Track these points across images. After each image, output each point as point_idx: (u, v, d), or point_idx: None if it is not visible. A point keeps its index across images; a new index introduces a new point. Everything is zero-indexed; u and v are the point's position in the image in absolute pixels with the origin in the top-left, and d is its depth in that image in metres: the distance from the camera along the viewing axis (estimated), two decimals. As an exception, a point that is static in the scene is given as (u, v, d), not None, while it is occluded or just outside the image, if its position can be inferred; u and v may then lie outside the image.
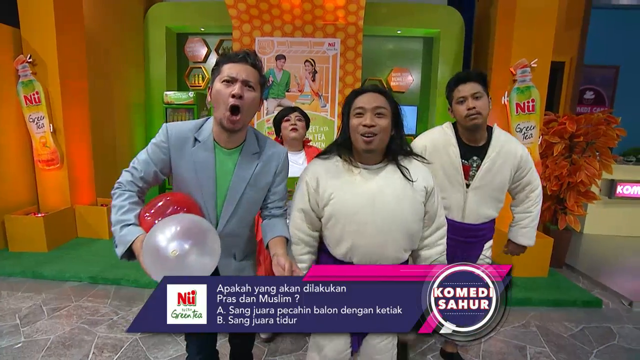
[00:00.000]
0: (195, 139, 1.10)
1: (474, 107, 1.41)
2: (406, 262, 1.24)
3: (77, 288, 2.60)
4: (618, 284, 2.82)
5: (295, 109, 1.91)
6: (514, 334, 2.17)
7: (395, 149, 1.15)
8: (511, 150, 1.50)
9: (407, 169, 1.15)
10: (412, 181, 1.14)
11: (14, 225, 3.09)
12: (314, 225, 1.21)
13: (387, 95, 1.13)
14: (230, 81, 1.04)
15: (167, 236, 0.92)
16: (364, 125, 1.08)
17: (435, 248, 1.24)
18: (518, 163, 1.51)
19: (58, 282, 2.68)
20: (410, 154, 1.19)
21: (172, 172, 1.14)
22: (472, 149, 1.51)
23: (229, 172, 1.12)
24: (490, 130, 1.53)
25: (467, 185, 1.52)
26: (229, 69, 1.05)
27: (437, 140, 1.53)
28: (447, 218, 1.40)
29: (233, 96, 1.02)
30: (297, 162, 1.80)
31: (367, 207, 1.10)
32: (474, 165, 1.51)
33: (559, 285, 2.76)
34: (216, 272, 1.21)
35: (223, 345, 1.57)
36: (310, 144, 2.01)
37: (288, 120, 1.86)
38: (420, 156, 1.23)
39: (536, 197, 1.59)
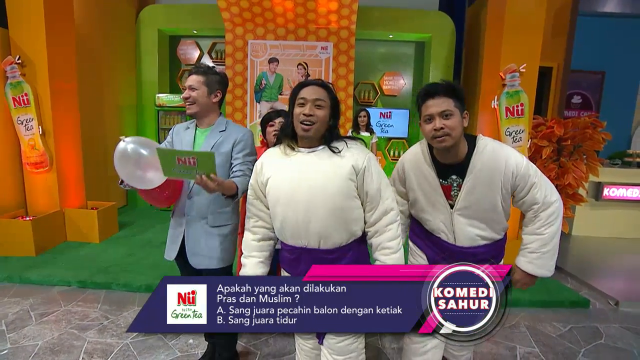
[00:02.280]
0: (187, 127, 1.63)
1: (442, 128, 1.22)
2: (344, 247, 1.24)
3: (66, 293, 2.56)
4: (605, 284, 2.88)
5: (280, 114, 1.95)
6: (504, 335, 2.20)
7: (330, 136, 1.25)
8: (499, 165, 1.26)
9: (337, 148, 1.22)
10: (340, 157, 1.21)
11: (1, 229, 3.03)
12: (264, 203, 1.31)
13: (328, 89, 1.23)
14: (185, 88, 1.55)
15: (124, 137, 1.34)
16: (304, 114, 1.18)
17: (386, 234, 1.23)
18: (509, 178, 1.27)
19: (46, 286, 2.63)
20: (342, 138, 1.27)
21: None
22: (450, 167, 1.33)
23: (201, 143, 1.57)
24: (473, 142, 1.31)
25: (452, 206, 1.35)
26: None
27: (413, 160, 1.40)
28: (439, 239, 1.39)
29: (183, 98, 1.56)
30: None
31: (295, 182, 1.20)
32: (455, 184, 1.33)
33: (548, 286, 2.81)
34: (185, 236, 1.57)
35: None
36: None
37: (272, 125, 1.92)
38: (350, 137, 1.30)
39: (547, 216, 1.28)
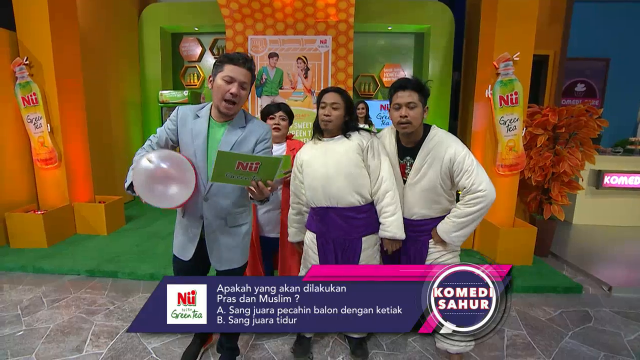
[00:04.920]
0: (197, 115, 1.47)
1: (406, 117, 1.51)
2: (358, 207, 1.62)
3: (76, 281, 2.71)
4: (600, 270, 2.89)
5: (280, 108, 2.01)
6: (494, 319, 2.26)
7: (346, 128, 1.66)
8: (440, 152, 1.53)
9: (350, 134, 1.64)
10: (351, 140, 1.62)
11: (14, 223, 3.20)
12: (300, 181, 1.73)
13: (343, 94, 1.62)
14: (230, 81, 1.36)
15: (150, 157, 1.23)
16: (324, 115, 1.61)
17: (385, 200, 1.59)
18: (448, 165, 1.52)
19: (57, 275, 2.78)
20: (358, 129, 1.67)
21: (178, 139, 1.48)
22: (407, 149, 1.63)
23: (218, 139, 1.43)
24: (427, 131, 1.59)
25: (405, 182, 1.64)
26: (230, 70, 1.36)
27: (383, 138, 1.71)
28: None
29: (231, 94, 1.36)
30: (278, 152, 2.01)
31: (322, 160, 1.62)
32: (408, 164, 1.63)
33: (542, 272, 2.84)
34: (206, 239, 1.50)
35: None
36: (294, 138, 2.13)
37: (272, 118, 1.98)
38: (363, 129, 1.67)
39: (470, 199, 1.52)
